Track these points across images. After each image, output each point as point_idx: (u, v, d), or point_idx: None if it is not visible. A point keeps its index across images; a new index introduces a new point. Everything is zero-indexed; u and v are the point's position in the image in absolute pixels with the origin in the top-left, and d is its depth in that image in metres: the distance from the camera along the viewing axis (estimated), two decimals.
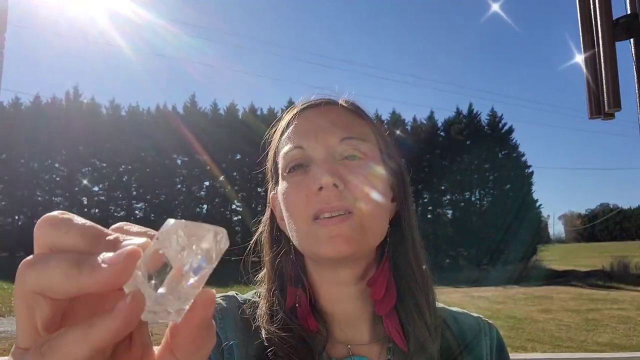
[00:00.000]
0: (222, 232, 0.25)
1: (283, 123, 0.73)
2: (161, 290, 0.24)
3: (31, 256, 0.27)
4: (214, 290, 0.26)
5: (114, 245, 0.26)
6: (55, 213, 0.27)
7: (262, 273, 0.73)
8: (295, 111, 0.71)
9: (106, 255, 0.25)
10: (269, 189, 0.75)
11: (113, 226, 0.29)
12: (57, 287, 0.25)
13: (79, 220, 0.27)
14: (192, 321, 0.26)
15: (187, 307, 0.25)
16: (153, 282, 0.25)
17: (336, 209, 0.61)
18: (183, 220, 0.25)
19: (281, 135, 0.71)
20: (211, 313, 0.27)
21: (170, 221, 0.25)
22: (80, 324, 0.25)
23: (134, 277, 0.24)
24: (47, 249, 0.27)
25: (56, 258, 0.25)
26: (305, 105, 0.71)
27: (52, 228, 0.26)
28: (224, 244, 0.26)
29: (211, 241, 0.25)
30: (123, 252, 0.24)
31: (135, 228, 0.29)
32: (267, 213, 0.75)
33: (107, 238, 0.26)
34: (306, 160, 0.66)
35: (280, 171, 0.69)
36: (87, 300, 0.28)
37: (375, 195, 0.64)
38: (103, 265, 0.24)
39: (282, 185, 0.68)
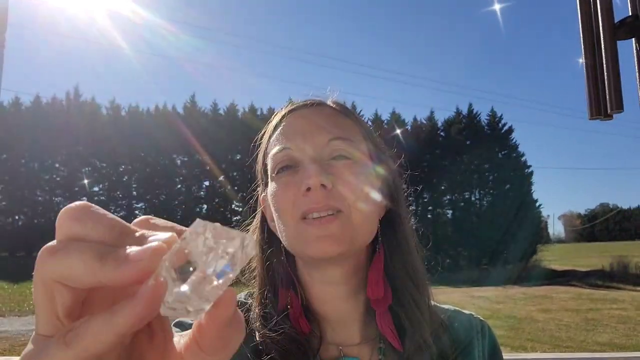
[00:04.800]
0: (250, 239, 0.25)
1: (271, 125, 0.73)
2: (184, 288, 0.24)
3: (53, 242, 0.26)
4: (234, 290, 0.26)
5: (140, 241, 0.25)
6: (81, 204, 0.26)
7: (255, 274, 0.73)
8: (283, 112, 0.72)
9: (131, 249, 0.24)
10: (260, 191, 0.75)
11: (137, 220, 0.28)
12: (78, 278, 0.24)
13: (105, 214, 0.26)
14: (215, 320, 0.26)
15: (207, 307, 0.25)
16: (175, 278, 0.24)
17: (324, 209, 0.61)
18: (212, 223, 0.24)
19: (270, 137, 0.72)
20: (232, 312, 0.26)
21: (200, 222, 0.25)
22: (103, 312, 0.24)
23: (160, 267, 0.24)
24: (69, 239, 0.26)
25: (79, 248, 0.24)
26: (293, 107, 0.72)
27: (77, 221, 0.26)
28: (250, 250, 0.25)
29: (238, 247, 0.24)
30: (149, 249, 0.24)
31: (162, 222, 0.28)
32: (258, 215, 0.75)
33: (134, 235, 0.26)
34: (294, 161, 0.66)
35: (269, 172, 0.69)
36: (109, 288, 0.27)
37: (364, 195, 0.64)
38: (127, 260, 0.24)
39: (271, 186, 0.68)
